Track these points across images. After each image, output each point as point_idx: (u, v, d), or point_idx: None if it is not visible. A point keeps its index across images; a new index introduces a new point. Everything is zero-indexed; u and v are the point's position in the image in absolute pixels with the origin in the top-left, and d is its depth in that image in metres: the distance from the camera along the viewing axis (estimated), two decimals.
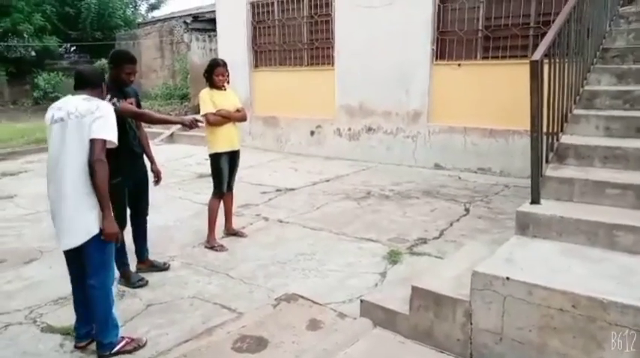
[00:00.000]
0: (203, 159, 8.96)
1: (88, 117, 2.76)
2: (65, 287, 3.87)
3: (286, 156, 9.34)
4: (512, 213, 5.46)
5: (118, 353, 2.96)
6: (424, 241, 4.78)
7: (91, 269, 2.88)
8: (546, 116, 3.26)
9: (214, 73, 4.59)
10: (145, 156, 4.09)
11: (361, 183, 7.11)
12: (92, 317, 2.99)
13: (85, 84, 2.97)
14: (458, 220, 5.39)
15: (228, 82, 4.77)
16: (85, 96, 2.89)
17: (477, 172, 7.48)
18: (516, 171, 7.09)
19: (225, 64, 4.66)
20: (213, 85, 4.63)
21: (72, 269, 3.03)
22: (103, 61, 18.35)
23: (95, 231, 2.80)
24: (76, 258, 2.95)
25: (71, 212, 2.78)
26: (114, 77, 3.73)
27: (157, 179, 4.25)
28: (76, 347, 3.08)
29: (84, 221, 2.78)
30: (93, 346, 3.05)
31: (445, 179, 7.23)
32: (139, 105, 4.01)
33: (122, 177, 3.70)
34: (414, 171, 7.71)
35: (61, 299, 3.73)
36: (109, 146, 2.83)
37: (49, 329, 3.31)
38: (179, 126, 11.56)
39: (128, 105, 3.73)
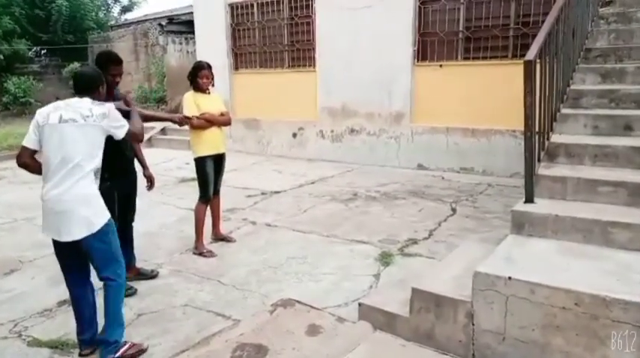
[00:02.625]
0: (183, 163, 8.87)
1: (105, 122, 2.90)
2: (50, 298, 3.78)
3: (269, 159, 9.27)
4: (498, 212, 5.57)
5: (122, 356, 2.91)
6: (414, 242, 4.77)
7: (100, 263, 2.91)
8: (537, 115, 3.27)
9: (199, 76, 4.50)
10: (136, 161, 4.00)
11: (346, 184, 7.09)
12: (93, 318, 3.02)
13: (88, 89, 2.99)
14: (445, 220, 5.41)
15: (213, 85, 4.69)
16: (91, 100, 2.95)
17: (459, 172, 7.55)
18: (499, 171, 7.19)
19: (209, 67, 4.58)
20: (198, 88, 4.54)
21: (71, 268, 2.99)
22: (76, 65, 17.93)
23: (99, 225, 2.84)
24: (75, 255, 2.93)
25: (76, 208, 2.80)
26: None
27: (150, 184, 4.15)
28: (80, 355, 3.01)
29: (87, 216, 2.82)
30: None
31: (429, 179, 7.27)
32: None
33: (111, 182, 3.59)
34: (398, 172, 7.74)
35: (47, 311, 3.60)
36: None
37: (36, 343, 3.18)
38: (159, 128, 11.44)
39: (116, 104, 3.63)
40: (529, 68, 3.02)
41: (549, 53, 3.45)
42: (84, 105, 2.90)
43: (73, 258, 2.95)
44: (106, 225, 2.89)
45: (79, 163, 2.81)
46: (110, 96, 3.64)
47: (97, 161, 2.91)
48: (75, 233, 2.81)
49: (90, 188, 2.86)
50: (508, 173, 7.07)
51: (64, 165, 2.80)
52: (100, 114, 2.90)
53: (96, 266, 2.94)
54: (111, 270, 2.92)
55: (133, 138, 3.24)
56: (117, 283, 2.95)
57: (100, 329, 3.08)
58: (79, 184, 2.80)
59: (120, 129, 3.00)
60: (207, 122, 4.51)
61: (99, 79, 3.08)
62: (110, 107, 2.99)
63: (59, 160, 2.80)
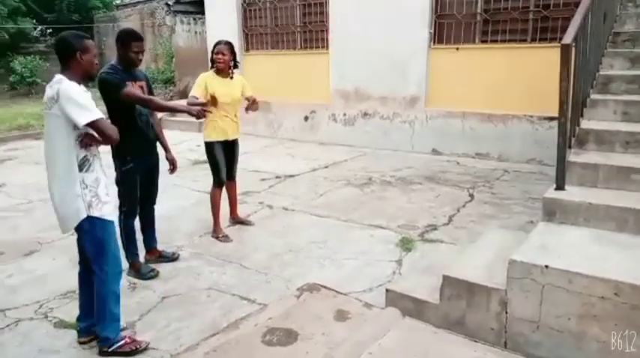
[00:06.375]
0: (194, 146, 8.80)
1: (55, 108, 2.59)
2: (73, 279, 3.69)
3: (280, 142, 9.20)
4: (517, 198, 5.53)
5: (115, 352, 2.83)
6: (434, 228, 4.74)
7: (88, 254, 2.83)
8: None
9: (214, 52, 4.36)
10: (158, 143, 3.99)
11: (360, 169, 7.04)
12: (90, 307, 2.92)
13: (60, 60, 2.71)
14: (464, 206, 5.37)
15: (236, 66, 4.55)
16: (56, 77, 2.66)
17: (474, 157, 7.47)
18: (515, 156, 7.12)
19: (228, 44, 4.41)
20: (217, 67, 4.42)
21: (80, 253, 2.96)
22: None
23: (82, 216, 2.70)
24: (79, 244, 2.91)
25: (60, 198, 2.72)
26: (122, 57, 3.56)
27: (173, 168, 4.11)
28: (78, 342, 2.97)
29: (72, 207, 2.70)
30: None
31: (444, 164, 7.21)
32: (150, 90, 3.84)
33: (134, 163, 3.57)
34: (412, 157, 7.67)
35: (70, 292, 3.58)
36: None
37: (63, 325, 3.18)
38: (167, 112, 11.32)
39: (133, 90, 3.53)
40: (566, 52, 2.95)
41: (583, 37, 3.36)
42: (52, 84, 2.62)
43: (79, 245, 2.91)
44: (85, 222, 2.71)
45: (53, 159, 2.68)
46: (131, 75, 3.59)
47: (70, 154, 2.64)
48: (62, 229, 2.82)
49: (65, 189, 2.68)
50: (524, 159, 7.01)
51: (46, 154, 2.72)
52: (49, 99, 2.60)
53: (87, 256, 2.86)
54: (96, 265, 2.80)
55: (104, 140, 2.70)
56: (99, 278, 2.80)
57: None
58: (57, 184, 2.70)
59: (78, 115, 2.55)
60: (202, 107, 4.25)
61: (71, 46, 2.66)
62: (66, 86, 2.57)
63: (44, 148, 2.73)
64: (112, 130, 2.69)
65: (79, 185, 2.67)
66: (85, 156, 2.70)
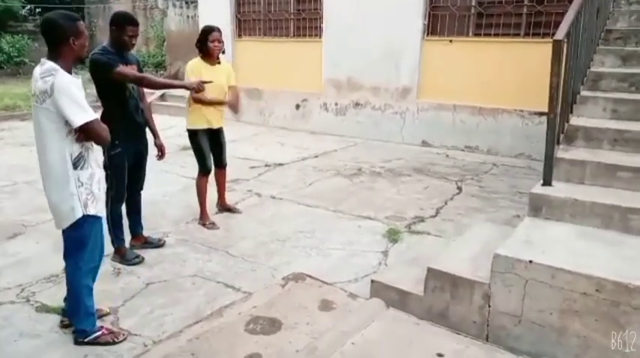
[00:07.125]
0: (183, 131, 8.68)
1: (48, 102, 2.43)
2: (56, 263, 3.69)
3: (271, 130, 9.16)
4: (504, 193, 5.56)
5: (91, 343, 2.76)
6: (421, 219, 4.75)
7: (65, 248, 2.76)
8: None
9: (209, 39, 4.26)
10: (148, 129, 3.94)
11: (350, 159, 7.03)
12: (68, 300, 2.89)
13: (48, 45, 2.51)
14: (452, 198, 5.39)
15: (223, 52, 4.52)
16: (46, 65, 2.49)
17: (464, 150, 7.49)
18: (504, 150, 7.14)
19: (220, 31, 4.37)
20: (208, 53, 4.34)
21: None
22: None
23: (78, 215, 2.60)
24: None
25: (53, 197, 2.62)
26: (115, 40, 3.51)
27: (161, 154, 4.07)
28: (60, 326, 2.93)
29: (66, 206, 2.59)
30: None
31: (433, 156, 7.22)
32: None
33: (122, 148, 3.53)
34: (402, 148, 7.67)
35: (54, 276, 3.56)
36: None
37: (45, 309, 3.14)
38: (158, 95, 11.23)
39: (126, 68, 3.50)
40: (558, 48, 2.94)
41: (576, 33, 3.36)
42: (44, 77, 2.44)
43: None
44: (81, 219, 2.62)
45: (45, 156, 2.54)
46: (122, 58, 3.54)
47: (64, 151, 2.52)
48: (56, 225, 2.73)
49: (60, 187, 2.56)
50: (513, 153, 7.05)
51: (37, 149, 2.58)
52: (42, 92, 2.41)
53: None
54: (72, 259, 2.73)
55: (95, 141, 2.64)
56: (72, 273, 2.74)
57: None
58: (51, 182, 2.59)
59: (74, 114, 2.43)
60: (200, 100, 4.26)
61: (63, 30, 2.46)
62: (61, 80, 2.42)
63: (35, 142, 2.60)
64: (105, 132, 2.61)
65: (74, 183, 2.57)
66: (80, 153, 2.58)
